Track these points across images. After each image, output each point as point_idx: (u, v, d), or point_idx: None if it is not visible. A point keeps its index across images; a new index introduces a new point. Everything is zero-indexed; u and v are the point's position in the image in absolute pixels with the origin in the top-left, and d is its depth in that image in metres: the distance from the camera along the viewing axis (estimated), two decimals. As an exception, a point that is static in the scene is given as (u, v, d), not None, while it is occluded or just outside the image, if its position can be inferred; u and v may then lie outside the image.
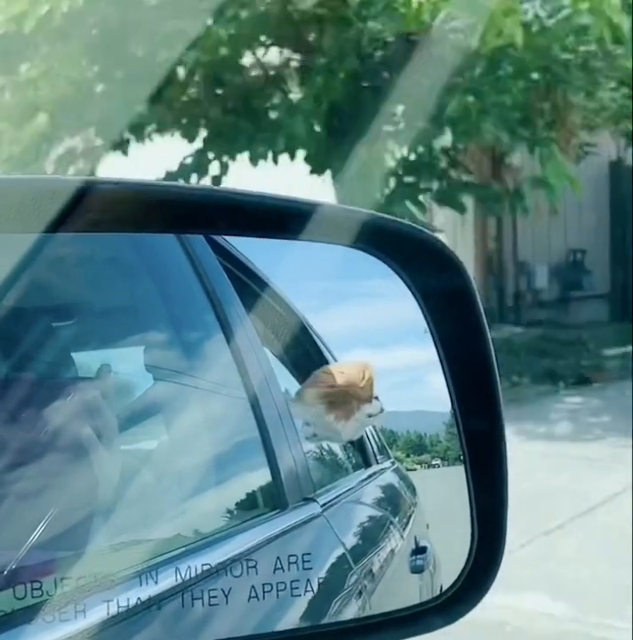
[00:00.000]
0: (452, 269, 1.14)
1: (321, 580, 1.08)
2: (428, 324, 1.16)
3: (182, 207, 1.00)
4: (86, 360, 1.18)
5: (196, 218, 1.02)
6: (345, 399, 1.23)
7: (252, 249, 1.32)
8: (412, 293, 1.16)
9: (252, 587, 0.98)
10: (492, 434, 1.14)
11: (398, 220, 1.16)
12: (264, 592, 0.99)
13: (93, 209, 0.92)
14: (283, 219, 1.05)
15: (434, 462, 1.28)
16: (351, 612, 1.19)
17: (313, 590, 1.04)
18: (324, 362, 1.32)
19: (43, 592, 0.91)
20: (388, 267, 1.15)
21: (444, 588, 1.15)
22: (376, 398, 1.24)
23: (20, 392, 1.02)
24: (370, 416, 1.24)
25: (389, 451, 1.39)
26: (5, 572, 0.91)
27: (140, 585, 0.96)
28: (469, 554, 1.13)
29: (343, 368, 1.25)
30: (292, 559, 1.03)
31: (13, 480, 0.95)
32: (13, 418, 0.98)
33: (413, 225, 1.15)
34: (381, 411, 1.24)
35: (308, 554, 1.06)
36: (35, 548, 0.93)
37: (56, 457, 0.99)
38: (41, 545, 0.94)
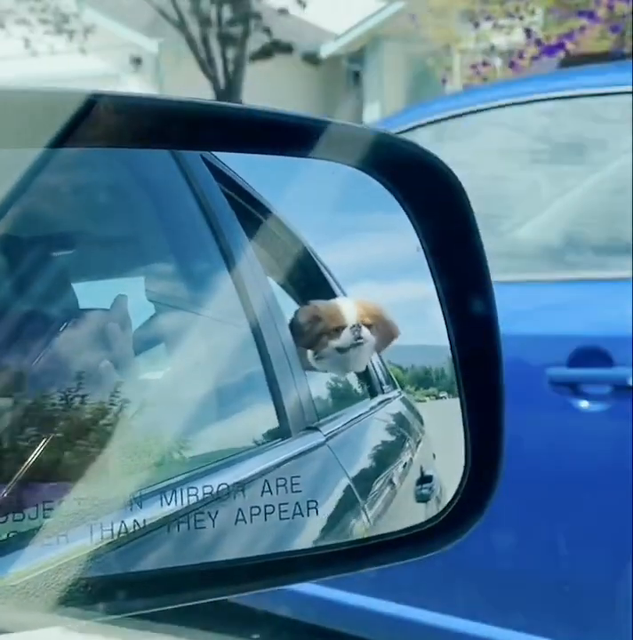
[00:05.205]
0: (447, 186, 1.11)
1: (319, 506, 1.08)
2: (421, 243, 1.15)
3: (186, 121, 1.00)
4: (86, 291, 1.18)
5: (199, 133, 1.01)
6: (316, 333, 1.24)
7: (254, 176, 1.31)
8: (406, 211, 1.15)
9: (240, 510, 0.99)
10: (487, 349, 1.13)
11: (390, 134, 1.13)
12: (251, 515, 1.00)
13: (93, 123, 0.90)
14: (284, 134, 1.05)
15: (441, 395, 1.29)
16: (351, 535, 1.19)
17: (302, 514, 1.04)
18: (329, 291, 1.31)
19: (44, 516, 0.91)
20: (381, 184, 1.13)
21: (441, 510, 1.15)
22: (355, 329, 1.24)
23: (36, 322, 1.02)
24: (340, 350, 1.25)
25: (395, 381, 1.38)
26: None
27: (140, 508, 0.97)
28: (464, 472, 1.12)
29: (323, 305, 1.26)
30: (281, 482, 1.03)
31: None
32: (30, 348, 0.98)
33: (405, 140, 1.12)
34: (357, 343, 1.24)
35: (298, 477, 1.06)
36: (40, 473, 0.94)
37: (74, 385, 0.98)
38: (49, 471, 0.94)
